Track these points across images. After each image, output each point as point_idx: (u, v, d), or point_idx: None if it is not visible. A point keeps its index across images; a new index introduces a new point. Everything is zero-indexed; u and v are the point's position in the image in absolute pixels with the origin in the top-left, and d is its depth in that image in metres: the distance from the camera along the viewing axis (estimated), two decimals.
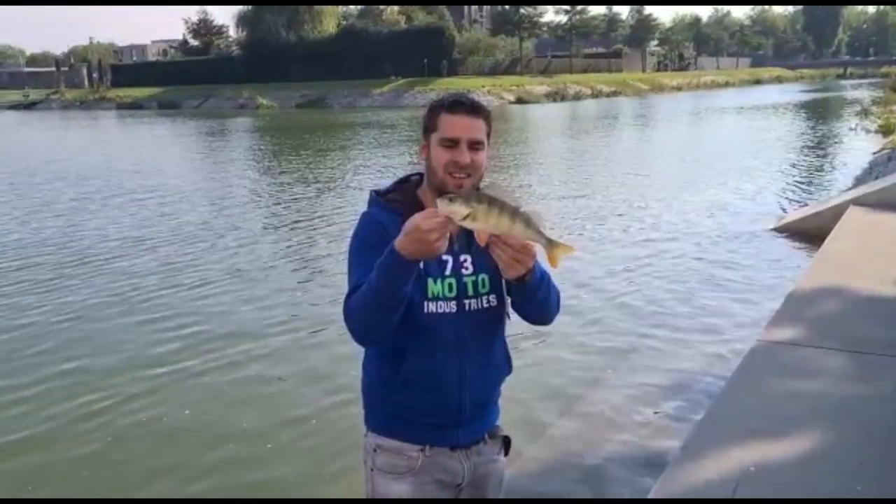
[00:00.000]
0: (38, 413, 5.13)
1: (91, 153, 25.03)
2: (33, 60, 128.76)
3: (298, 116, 47.04)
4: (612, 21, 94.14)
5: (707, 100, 56.36)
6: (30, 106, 72.88)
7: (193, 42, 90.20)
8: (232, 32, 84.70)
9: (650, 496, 3.13)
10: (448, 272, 2.04)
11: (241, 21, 78.78)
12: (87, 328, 6.92)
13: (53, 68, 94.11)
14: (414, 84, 61.94)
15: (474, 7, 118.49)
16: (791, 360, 4.51)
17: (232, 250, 9.83)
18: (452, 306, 2.03)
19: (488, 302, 2.08)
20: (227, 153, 25.34)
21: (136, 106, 65.56)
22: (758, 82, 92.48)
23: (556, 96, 62.05)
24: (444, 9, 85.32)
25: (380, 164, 20.37)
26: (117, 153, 25.00)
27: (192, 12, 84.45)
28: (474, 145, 1.98)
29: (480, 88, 59.99)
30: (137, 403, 5.26)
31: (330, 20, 77.39)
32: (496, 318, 2.12)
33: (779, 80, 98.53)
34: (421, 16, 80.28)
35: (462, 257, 2.05)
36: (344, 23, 79.50)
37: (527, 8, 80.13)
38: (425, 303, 2.01)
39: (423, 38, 68.43)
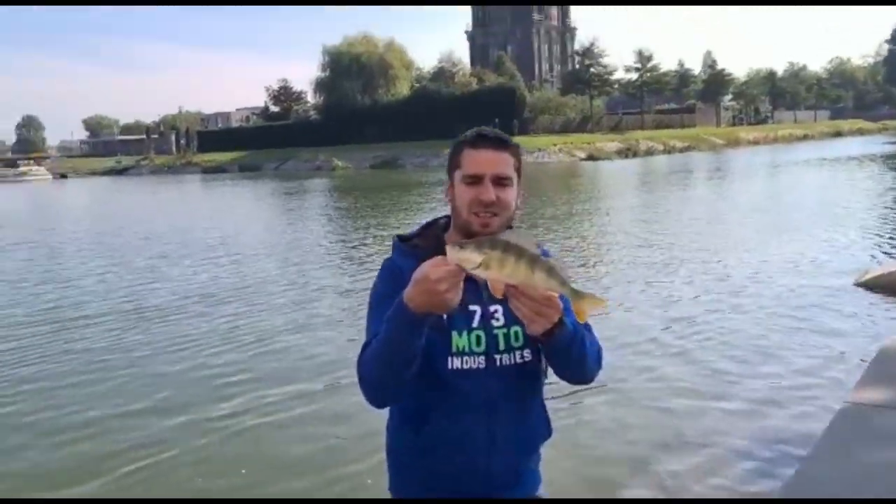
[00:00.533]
0: (91, 452, 5.29)
1: (173, 214, 26.18)
2: (127, 129, 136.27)
3: (372, 176, 48.07)
4: (684, 76, 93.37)
5: (786, 153, 54.86)
6: (122, 171, 77.07)
7: (274, 108, 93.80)
8: (310, 98, 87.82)
9: None
10: (476, 324, 1.85)
11: (319, 87, 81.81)
12: (148, 378, 6.99)
13: (144, 136, 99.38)
14: None
15: (545, 67, 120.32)
16: (884, 424, 4.10)
17: (298, 306, 9.88)
18: (481, 362, 1.83)
19: (522, 357, 1.87)
20: (301, 212, 25.91)
21: (219, 169, 68.36)
22: (838, 134, 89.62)
23: (628, 152, 61.61)
24: (514, 69, 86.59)
25: None
26: (197, 214, 26.05)
27: (274, 80, 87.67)
28: (500, 181, 1.82)
29: (552, 146, 60.31)
30: (191, 457, 5.23)
31: (403, 84, 79.54)
32: (531, 375, 1.91)
33: (860, 132, 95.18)
34: (492, 77, 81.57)
35: (492, 307, 1.85)
36: (417, 86, 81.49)
37: (597, 67, 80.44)
38: (450, 358, 1.82)
39: (495, 98, 69.35)
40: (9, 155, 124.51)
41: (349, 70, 77.25)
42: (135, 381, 6.99)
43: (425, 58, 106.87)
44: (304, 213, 25.81)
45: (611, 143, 65.04)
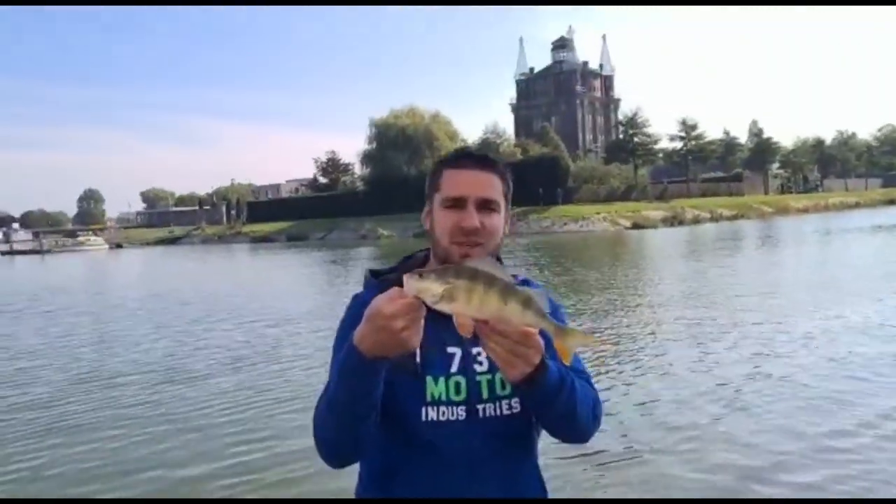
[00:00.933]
0: None
1: (218, 281, 26.67)
2: (181, 201, 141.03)
3: (415, 244, 47.74)
4: (730, 145, 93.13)
5: (838, 220, 53.66)
6: (174, 241, 79.18)
7: (322, 179, 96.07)
8: (357, 169, 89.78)
9: None
10: (455, 368, 1.59)
11: (366, 158, 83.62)
12: (174, 437, 6.93)
13: (197, 207, 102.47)
14: (529, 213, 62.79)
15: (589, 138, 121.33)
16: None
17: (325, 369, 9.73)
18: (461, 413, 1.57)
19: (510, 408, 1.60)
20: (342, 278, 26.03)
21: (267, 239, 69.83)
22: (892, 202, 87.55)
23: (674, 221, 61.10)
24: (558, 140, 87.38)
25: None
26: (241, 281, 26.53)
27: (322, 153, 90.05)
28: (485, 205, 1.61)
29: (596, 215, 60.16)
30: None
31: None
32: (521, 430, 1.63)
33: None
34: (536, 148, 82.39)
35: (475, 350, 1.59)
36: None
37: (641, 136, 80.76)
38: (424, 408, 1.56)
39: (539, 168, 69.84)
40: (69, 226, 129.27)
41: (395, 141, 78.91)
42: (163, 435, 7.00)
43: (470, 130, 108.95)
44: (347, 278, 25.92)
45: (656, 211, 64.63)
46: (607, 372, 8.74)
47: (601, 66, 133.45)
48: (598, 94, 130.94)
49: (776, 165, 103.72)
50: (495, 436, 1.58)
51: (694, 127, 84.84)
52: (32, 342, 13.51)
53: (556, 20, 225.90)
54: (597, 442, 6.21)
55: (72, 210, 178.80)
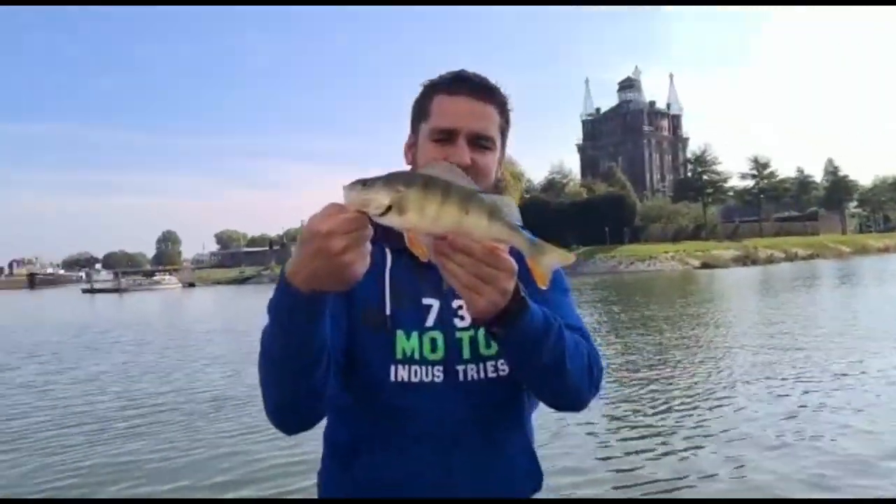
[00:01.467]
0: None
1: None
2: (253, 242, 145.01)
3: None
4: (804, 183, 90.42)
5: None
6: (244, 280, 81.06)
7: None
8: None
9: None
10: (431, 322, 1.35)
11: None
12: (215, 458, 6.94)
13: (267, 248, 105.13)
14: (595, 252, 62.11)
15: (656, 177, 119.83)
16: None
17: None
18: (437, 373, 1.33)
19: (496, 370, 1.35)
20: None
21: None
22: None
23: (746, 260, 59.47)
24: (625, 179, 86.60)
25: None
26: None
27: None
28: (479, 141, 1.37)
29: (664, 254, 59.07)
30: None
31: (513, 194, 79.63)
32: (509, 396, 1.38)
33: None
34: (602, 187, 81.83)
35: (456, 302, 1.35)
36: (526, 196, 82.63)
37: (710, 174, 79.27)
38: (393, 367, 1.33)
39: (605, 207, 69.29)
40: (147, 267, 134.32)
41: None
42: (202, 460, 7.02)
43: (535, 170, 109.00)
44: None
45: (727, 250, 63.05)
46: (679, 407, 8.41)
47: (669, 105, 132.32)
48: (665, 133, 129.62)
49: (853, 204, 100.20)
50: (478, 403, 1.35)
51: (766, 165, 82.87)
52: (97, 369, 14.09)
53: (622, 60, 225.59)
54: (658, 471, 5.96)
55: (150, 251, 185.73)
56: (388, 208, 1.02)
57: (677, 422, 7.75)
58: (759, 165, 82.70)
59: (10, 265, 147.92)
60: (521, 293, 1.15)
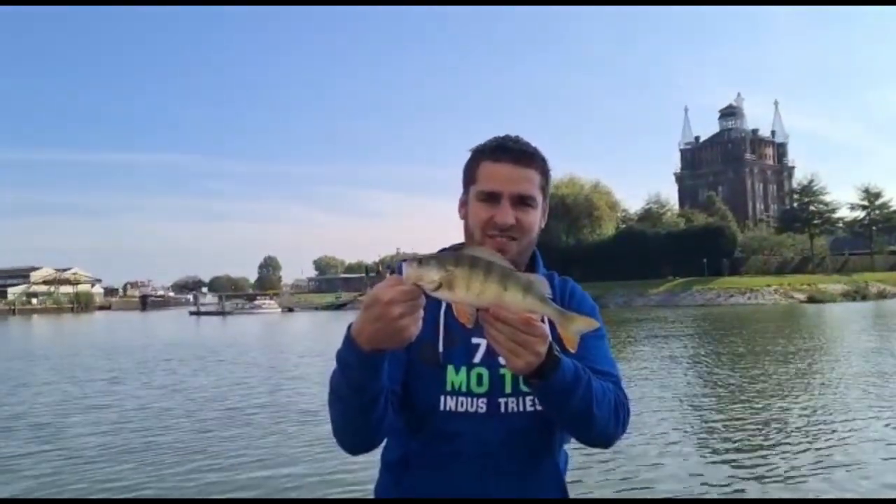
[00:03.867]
0: None
1: None
2: (350, 268, 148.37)
3: None
4: None
5: None
6: (340, 306, 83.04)
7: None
8: None
9: None
10: (478, 360, 1.56)
11: None
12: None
13: (363, 274, 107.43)
14: (692, 284, 60.52)
15: (759, 207, 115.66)
16: None
17: None
18: (481, 405, 1.54)
19: (533, 404, 1.54)
20: None
21: None
22: None
23: (856, 295, 56.41)
24: (725, 209, 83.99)
25: (645, 355, 19.62)
26: None
27: None
28: (522, 201, 1.57)
29: (766, 287, 56.88)
30: None
31: (608, 224, 79.73)
32: (543, 428, 1.57)
33: None
34: (701, 218, 79.67)
35: None
36: (622, 226, 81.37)
37: (817, 204, 75.85)
38: (442, 397, 1.54)
39: (703, 238, 67.41)
40: (249, 291, 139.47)
41: (554, 211, 78.68)
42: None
43: (632, 199, 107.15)
44: None
45: (835, 284, 60.04)
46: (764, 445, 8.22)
47: (773, 132, 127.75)
48: (769, 161, 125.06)
49: None
50: (515, 432, 1.54)
51: (878, 195, 78.53)
52: (201, 383, 15.07)
53: (723, 87, 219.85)
54: None
55: (253, 275, 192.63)
56: (440, 284, 1.23)
57: (765, 458, 7.59)
58: (871, 195, 78.48)
59: (125, 287, 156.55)
60: (555, 351, 1.34)
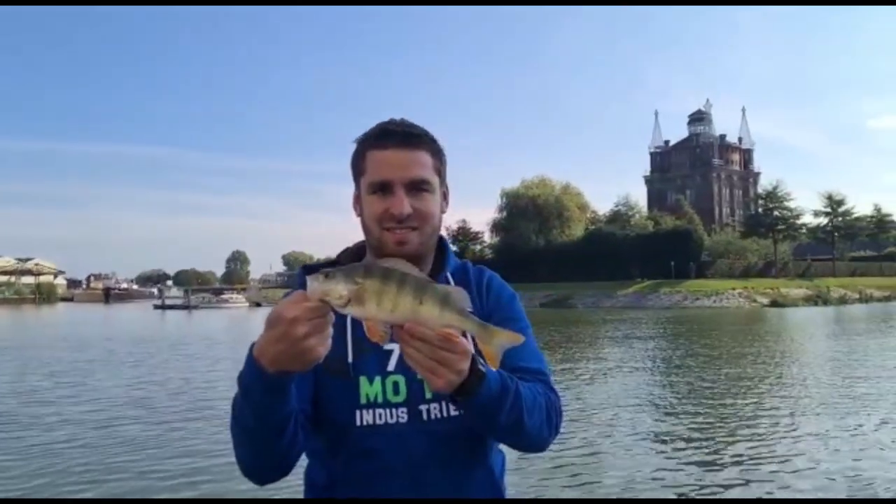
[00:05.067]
0: None
1: None
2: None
3: (542, 314, 47.98)
4: (882, 222, 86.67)
5: None
6: None
7: (452, 247, 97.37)
8: (487, 238, 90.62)
9: None
10: (393, 367, 1.43)
11: (496, 227, 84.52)
12: None
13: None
14: (660, 286, 61.10)
15: (725, 211, 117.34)
16: None
17: None
18: (402, 415, 1.42)
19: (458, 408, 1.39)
20: None
21: None
22: None
23: (818, 300, 57.51)
24: (693, 213, 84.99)
25: (612, 356, 19.78)
26: None
27: (453, 221, 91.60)
28: (416, 186, 1.46)
29: (731, 290, 57.66)
30: None
31: (578, 225, 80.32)
32: (471, 432, 1.43)
33: None
34: (669, 221, 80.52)
35: None
36: (591, 227, 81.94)
37: (781, 210, 77.07)
38: (357, 412, 1.41)
39: (671, 240, 68.11)
40: (216, 285, 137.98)
41: (525, 211, 79.37)
42: None
43: (601, 201, 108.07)
44: None
45: (798, 289, 61.14)
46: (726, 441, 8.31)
47: (740, 139, 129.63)
48: (736, 167, 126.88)
49: None
50: (441, 439, 1.43)
51: (841, 202, 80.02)
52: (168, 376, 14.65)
53: (692, 93, 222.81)
54: None
55: (220, 270, 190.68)
56: (349, 299, 1.12)
57: (726, 456, 7.66)
58: (834, 202, 79.96)
59: (88, 279, 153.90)
60: (479, 365, 1.24)
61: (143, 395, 13.21)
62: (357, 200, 1.54)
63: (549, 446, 1.47)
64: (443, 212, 1.55)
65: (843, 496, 6.51)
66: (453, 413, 1.43)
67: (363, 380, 1.43)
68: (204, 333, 33.10)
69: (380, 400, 1.42)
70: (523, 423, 1.34)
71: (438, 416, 1.43)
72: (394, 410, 1.42)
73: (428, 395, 1.43)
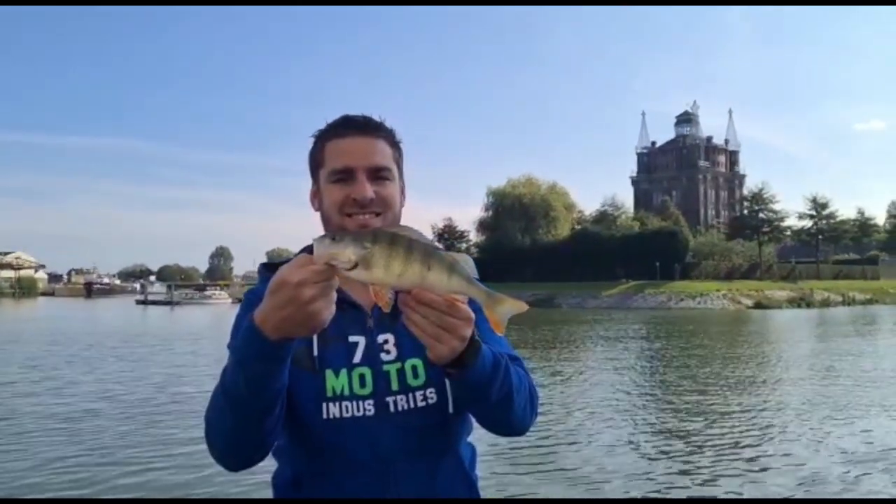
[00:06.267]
0: None
1: None
2: None
3: (526, 314, 47.72)
4: (865, 225, 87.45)
5: None
6: None
7: (438, 246, 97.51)
8: (472, 236, 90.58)
9: None
10: (359, 359, 1.40)
11: (482, 226, 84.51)
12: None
13: None
14: (644, 287, 61.28)
15: (711, 213, 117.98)
16: None
17: None
18: (368, 407, 1.38)
19: (424, 398, 1.40)
20: None
21: None
22: None
23: (801, 302, 57.98)
24: (678, 214, 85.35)
25: (594, 356, 19.70)
26: None
27: (439, 219, 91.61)
28: (377, 173, 1.44)
29: (715, 291, 57.92)
30: None
31: (564, 225, 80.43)
32: (439, 422, 1.41)
33: None
34: (655, 222, 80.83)
35: (381, 337, 1.42)
36: (577, 227, 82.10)
37: (766, 212, 77.54)
38: (324, 405, 1.37)
39: (657, 241, 68.42)
40: (200, 281, 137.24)
41: (511, 210, 79.40)
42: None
43: (588, 201, 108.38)
44: None
45: (781, 291, 61.55)
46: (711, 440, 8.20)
47: (727, 140, 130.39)
48: (722, 169, 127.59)
49: None
50: (409, 431, 1.39)
51: (825, 205, 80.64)
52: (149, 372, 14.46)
53: (680, 94, 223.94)
54: None
55: (204, 266, 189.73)
56: (355, 263, 1.10)
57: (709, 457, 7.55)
58: (818, 205, 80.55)
59: (70, 273, 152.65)
60: (475, 337, 1.23)
61: (119, 391, 12.94)
62: (315, 195, 1.53)
63: (530, 430, 1.47)
64: (401, 205, 1.52)
65: (824, 495, 6.40)
66: (420, 404, 1.40)
67: (329, 373, 1.39)
68: (186, 329, 32.80)
69: (346, 392, 1.38)
70: (513, 399, 1.34)
71: (406, 407, 1.40)
72: (360, 403, 1.38)
73: (394, 387, 1.40)
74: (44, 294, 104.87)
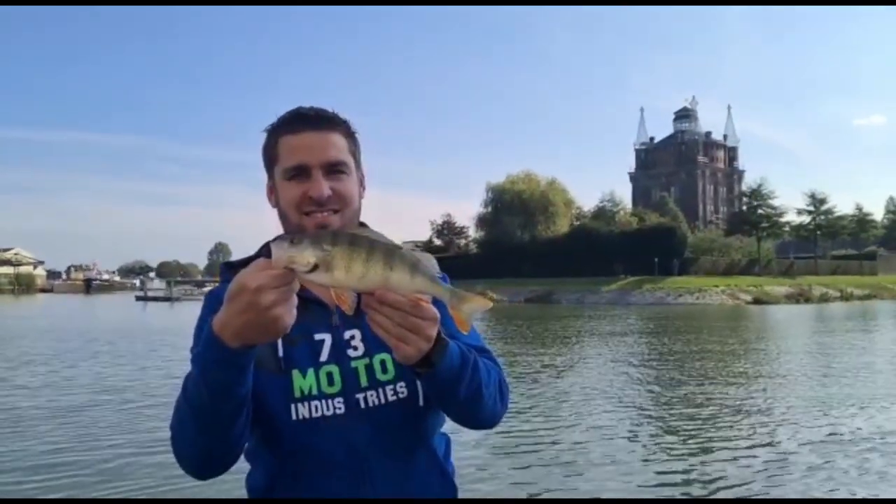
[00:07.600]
0: None
1: None
2: None
3: (524, 310, 48.03)
4: (863, 221, 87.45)
5: None
6: None
7: (437, 241, 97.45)
8: (471, 232, 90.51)
9: None
10: (325, 357, 1.38)
11: (481, 222, 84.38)
12: None
13: None
14: (643, 282, 61.37)
15: (710, 209, 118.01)
16: None
17: None
18: (338, 405, 1.35)
19: (395, 393, 1.39)
20: None
21: None
22: None
23: (800, 298, 57.99)
24: (677, 210, 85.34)
25: (592, 351, 19.74)
26: None
27: (438, 216, 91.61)
28: (334, 168, 1.41)
29: (714, 287, 57.99)
30: None
31: (563, 221, 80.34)
32: (412, 416, 1.40)
33: None
34: (654, 217, 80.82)
35: (348, 334, 1.40)
36: (576, 223, 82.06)
37: (765, 208, 77.53)
38: (293, 406, 1.34)
39: (655, 237, 68.40)
40: (198, 277, 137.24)
41: (510, 206, 79.31)
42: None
43: (586, 197, 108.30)
44: None
45: (780, 286, 61.61)
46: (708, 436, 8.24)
47: (725, 136, 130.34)
48: (721, 164, 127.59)
49: None
50: (381, 427, 1.37)
51: (823, 201, 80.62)
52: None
53: (678, 91, 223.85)
54: None
55: (203, 262, 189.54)
56: (315, 265, 1.07)
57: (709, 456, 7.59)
58: (816, 201, 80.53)
59: (69, 270, 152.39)
60: (442, 335, 1.22)
61: (119, 386, 12.97)
62: (271, 191, 1.49)
63: (501, 421, 1.47)
64: (361, 197, 1.49)
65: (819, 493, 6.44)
66: (391, 399, 1.39)
67: (296, 373, 1.36)
68: (186, 325, 32.78)
69: (314, 392, 1.36)
70: (482, 394, 1.34)
71: (376, 402, 1.38)
72: (330, 402, 1.36)
73: (364, 383, 1.38)
74: (43, 290, 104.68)
